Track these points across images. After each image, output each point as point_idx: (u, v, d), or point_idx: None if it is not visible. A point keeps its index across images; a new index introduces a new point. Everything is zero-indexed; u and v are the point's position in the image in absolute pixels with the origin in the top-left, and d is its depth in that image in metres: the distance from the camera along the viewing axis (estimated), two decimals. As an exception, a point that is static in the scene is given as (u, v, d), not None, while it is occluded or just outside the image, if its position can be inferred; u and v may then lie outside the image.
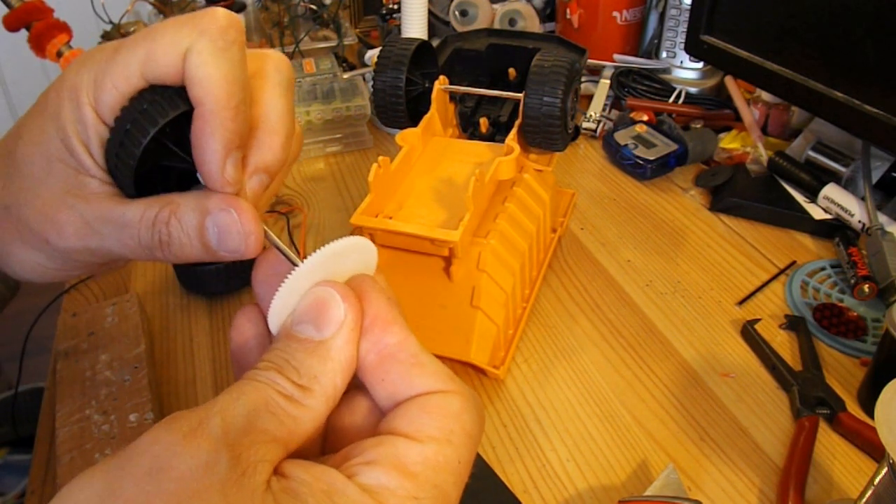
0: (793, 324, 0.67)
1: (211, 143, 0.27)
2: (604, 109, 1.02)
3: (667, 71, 1.06)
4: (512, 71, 0.77)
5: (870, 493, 0.43)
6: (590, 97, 1.04)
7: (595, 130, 0.98)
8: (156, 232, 0.28)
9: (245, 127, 0.28)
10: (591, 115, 0.99)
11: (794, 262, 0.75)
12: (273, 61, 0.31)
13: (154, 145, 0.28)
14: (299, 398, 0.24)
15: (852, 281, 0.69)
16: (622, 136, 0.91)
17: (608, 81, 1.04)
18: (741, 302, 0.71)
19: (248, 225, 0.28)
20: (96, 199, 0.29)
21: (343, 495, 0.22)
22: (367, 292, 0.26)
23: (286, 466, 0.22)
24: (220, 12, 0.28)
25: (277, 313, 0.27)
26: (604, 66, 1.08)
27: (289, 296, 0.26)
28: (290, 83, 0.31)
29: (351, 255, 0.28)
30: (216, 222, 0.28)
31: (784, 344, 0.66)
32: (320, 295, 0.26)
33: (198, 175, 0.29)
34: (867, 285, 0.68)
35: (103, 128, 0.29)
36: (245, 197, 0.29)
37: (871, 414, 0.57)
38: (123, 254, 0.29)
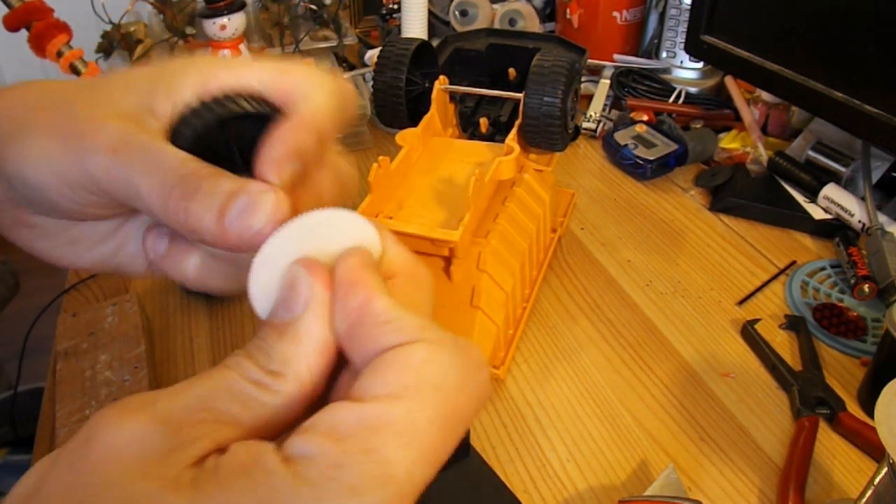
0: (793, 324, 0.67)
1: (286, 144, 0.28)
2: (604, 109, 1.02)
3: (667, 71, 1.06)
4: (512, 71, 0.76)
5: (870, 492, 0.43)
6: (590, 97, 1.04)
7: (595, 130, 0.98)
8: (185, 182, 0.26)
9: (315, 156, 0.29)
10: (591, 115, 0.99)
11: (794, 262, 0.75)
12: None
13: (219, 134, 0.28)
14: (268, 383, 0.23)
15: (852, 281, 0.69)
16: (622, 136, 0.91)
17: (608, 81, 1.04)
18: (741, 302, 0.71)
19: (280, 212, 0.26)
20: (149, 132, 0.28)
21: (261, 467, 0.20)
22: (339, 261, 0.25)
23: (233, 444, 0.21)
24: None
25: (257, 298, 0.26)
26: (604, 67, 1.08)
27: (268, 279, 0.26)
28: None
29: (340, 231, 0.26)
30: (251, 195, 0.26)
31: (784, 344, 0.66)
32: (290, 274, 0.25)
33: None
34: (867, 285, 0.68)
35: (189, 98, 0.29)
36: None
37: (871, 414, 0.57)
38: (139, 192, 0.27)
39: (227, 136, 0.29)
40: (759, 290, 0.72)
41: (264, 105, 0.29)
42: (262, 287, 0.26)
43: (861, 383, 0.61)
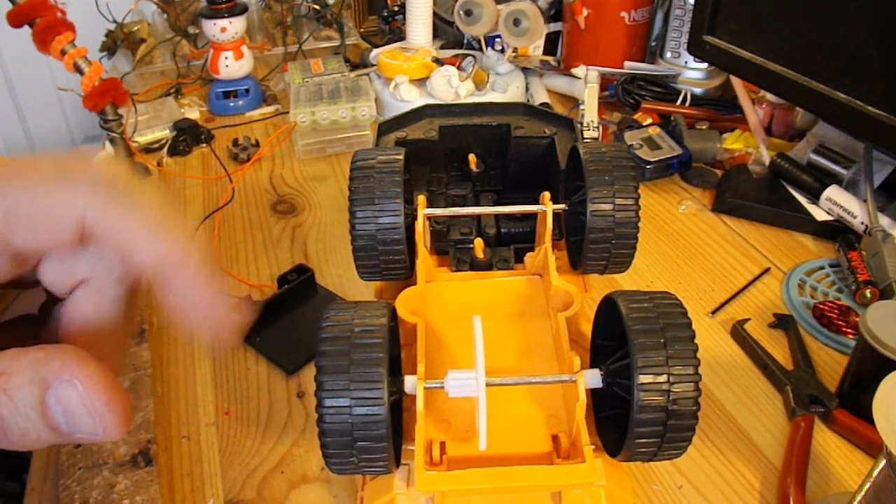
0: (782, 323, 0.67)
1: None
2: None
3: (674, 78, 1.05)
4: (472, 158, 0.58)
5: (868, 485, 0.43)
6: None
7: (597, 139, 0.97)
8: None
9: None
10: (588, 123, 0.98)
11: (768, 269, 0.75)
12: None
13: None
14: None
15: (853, 287, 0.69)
16: (631, 137, 0.91)
17: (595, 85, 1.01)
18: (719, 307, 0.71)
19: (99, 403, 0.21)
20: None
21: None
22: None
23: None
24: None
25: None
26: (600, 72, 1.06)
27: None
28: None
29: None
30: (59, 398, 0.21)
31: (777, 343, 0.66)
32: None
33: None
34: (869, 290, 0.68)
35: None
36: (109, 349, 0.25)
37: (853, 413, 0.57)
38: None
39: None
40: (743, 290, 0.72)
41: None
42: None
43: (838, 386, 0.60)
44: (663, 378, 0.35)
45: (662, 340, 0.35)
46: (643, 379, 0.34)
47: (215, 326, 0.25)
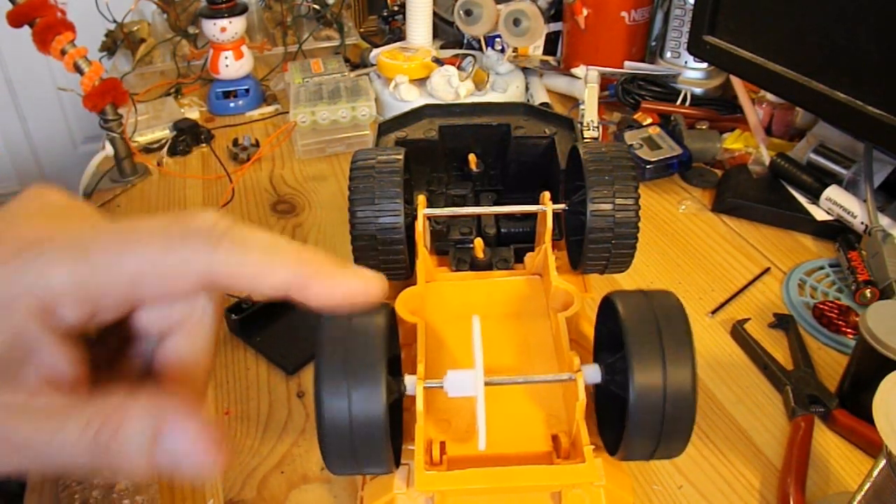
0: (782, 323, 0.67)
1: None
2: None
3: (674, 78, 1.05)
4: (472, 158, 0.58)
5: (868, 485, 0.43)
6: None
7: (597, 139, 0.98)
8: (97, 452, 0.23)
9: None
10: (588, 123, 0.98)
11: (768, 269, 0.75)
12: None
13: None
14: None
15: (853, 287, 0.69)
16: (631, 137, 0.91)
17: (595, 85, 1.01)
18: (719, 307, 0.71)
19: (203, 453, 0.23)
20: (28, 415, 0.24)
21: None
22: None
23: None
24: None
25: None
26: (600, 72, 1.06)
27: None
28: None
29: None
30: (168, 444, 0.23)
31: (777, 343, 0.66)
32: None
33: None
34: (869, 290, 0.68)
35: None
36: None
37: (853, 413, 0.57)
38: (62, 471, 0.24)
39: None
40: (744, 288, 0.72)
41: None
42: None
43: (838, 386, 0.60)
44: (658, 377, 0.35)
45: (659, 339, 0.35)
46: (639, 378, 0.34)
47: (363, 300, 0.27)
